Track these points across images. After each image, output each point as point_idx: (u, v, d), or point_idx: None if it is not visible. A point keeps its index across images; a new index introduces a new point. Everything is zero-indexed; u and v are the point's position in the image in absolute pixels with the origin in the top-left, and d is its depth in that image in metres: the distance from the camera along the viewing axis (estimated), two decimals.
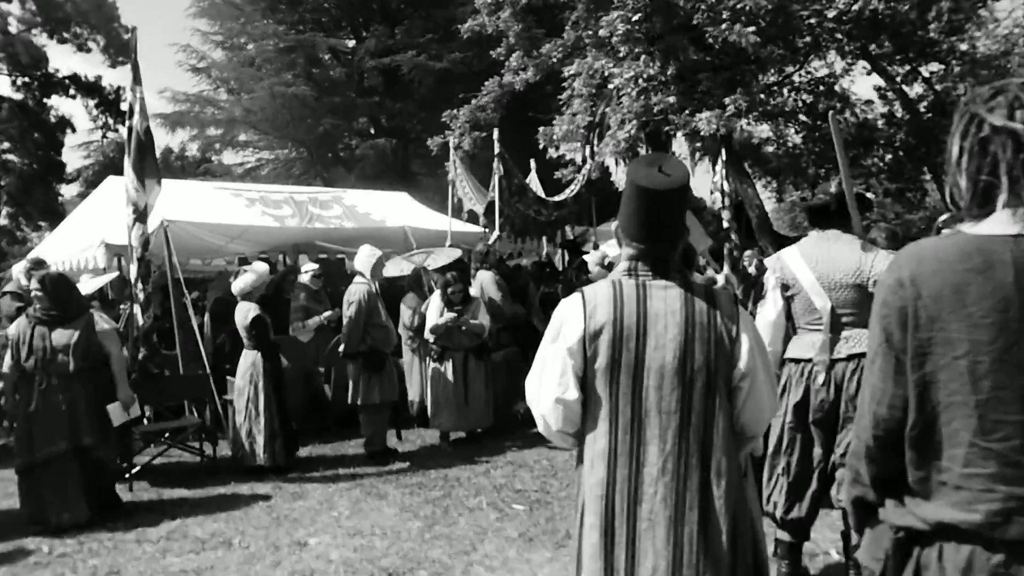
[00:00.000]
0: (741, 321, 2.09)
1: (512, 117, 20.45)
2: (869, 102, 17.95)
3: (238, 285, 6.11)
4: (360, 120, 24.26)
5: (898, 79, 17.42)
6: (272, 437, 6.06)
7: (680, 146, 19.34)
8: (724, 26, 11.73)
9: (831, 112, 6.37)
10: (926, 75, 16.96)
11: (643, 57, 12.79)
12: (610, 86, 13.66)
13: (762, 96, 12.50)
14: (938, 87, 16.98)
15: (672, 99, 12.61)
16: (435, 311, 6.60)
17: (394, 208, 11.35)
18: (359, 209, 10.77)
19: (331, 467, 6.26)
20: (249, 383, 6.07)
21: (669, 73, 12.99)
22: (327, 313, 7.81)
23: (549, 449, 6.52)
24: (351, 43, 23.82)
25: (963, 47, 16.66)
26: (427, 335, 6.66)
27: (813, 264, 3.41)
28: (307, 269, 7.76)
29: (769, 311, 3.52)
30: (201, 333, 7.52)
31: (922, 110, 17.26)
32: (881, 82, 17.42)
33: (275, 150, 25.08)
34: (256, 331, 6.04)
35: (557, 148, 15.83)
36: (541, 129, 14.81)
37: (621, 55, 14.06)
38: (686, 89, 13.23)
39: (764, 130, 15.87)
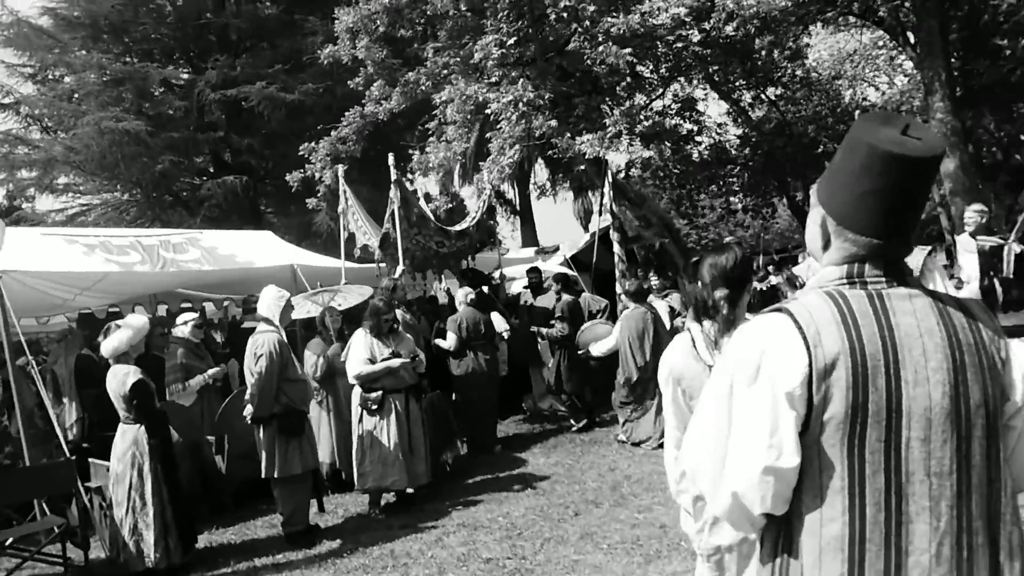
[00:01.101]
0: (1005, 337, 1.52)
1: (375, 148, 19.64)
2: (722, 124, 18.88)
3: (111, 344, 4.87)
4: (202, 157, 22.38)
5: (746, 103, 18.45)
6: (164, 531, 4.85)
7: (542, 172, 19.36)
8: (602, 48, 11.65)
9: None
10: (772, 98, 18.10)
11: (522, 81, 12.48)
12: (488, 111, 13.25)
13: (642, 117, 12.51)
14: (781, 109, 18.12)
15: (554, 122, 12.35)
16: (362, 350, 5.64)
17: (260, 248, 10.14)
18: (220, 251, 9.45)
19: (243, 558, 5.12)
20: (131, 466, 4.84)
21: (547, 97, 12.76)
22: (213, 371, 6.64)
23: (500, 503, 5.76)
24: (186, 75, 21.98)
25: (799, 72, 17.92)
26: (354, 379, 5.68)
27: None
28: (185, 319, 6.55)
29: None
30: (50, 406, 6.09)
31: (767, 131, 18.36)
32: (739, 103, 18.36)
33: (102, 193, 22.53)
34: (138, 400, 4.84)
35: (425, 175, 15.13)
36: (416, 156, 14.08)
37: (494, 80, 13.74)
38: (563, 113, 13.08)
39: (644, 153, 16.12)
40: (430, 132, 15.52)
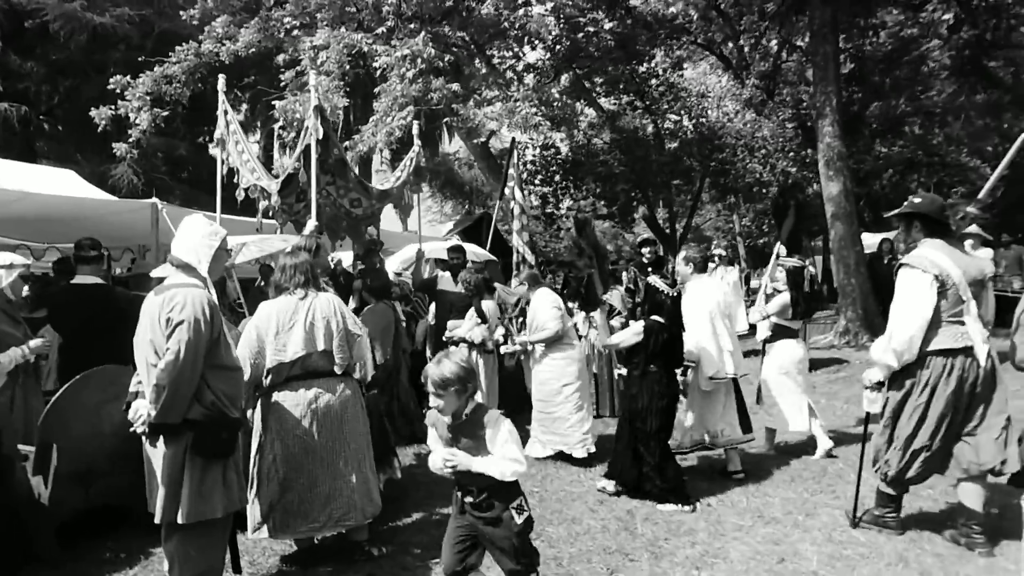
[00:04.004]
0: None
1: (211, 95, 16.73)
2: (594, 126, 18.28)
3: None
4: None
5: (621, 107, 17.99)
6: None
7: (456, 143, 17.68)
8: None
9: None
10: (640, 106, 17.77)
11: (423, 34, 10.76)
12: (375, 65, 11.33)
13: (555, 95, 11.30)
14: (657, 120, 17.87)
15: (456, 86, 10.77)
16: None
17: (68, 190, 7.57)
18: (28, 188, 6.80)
19: None
20: None
21: (447, 59, 11.14)
22: (35, 342, 4.36)
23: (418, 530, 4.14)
24: None
25: (672, 79, 17.76)
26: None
27: (958, 264, 3.95)
28: (6, 262, 4.18)
29: (926, 309, 3.90)
30: None
31: (640, 139, 18.01)
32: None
33: None
34: None
35: (286, 130, 12.78)
36: (278, 104, 11.74)
37: (381, 31, 11.86)
38: (464, 79, 11.54)
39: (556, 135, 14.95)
40: (283, 83, 13.19)
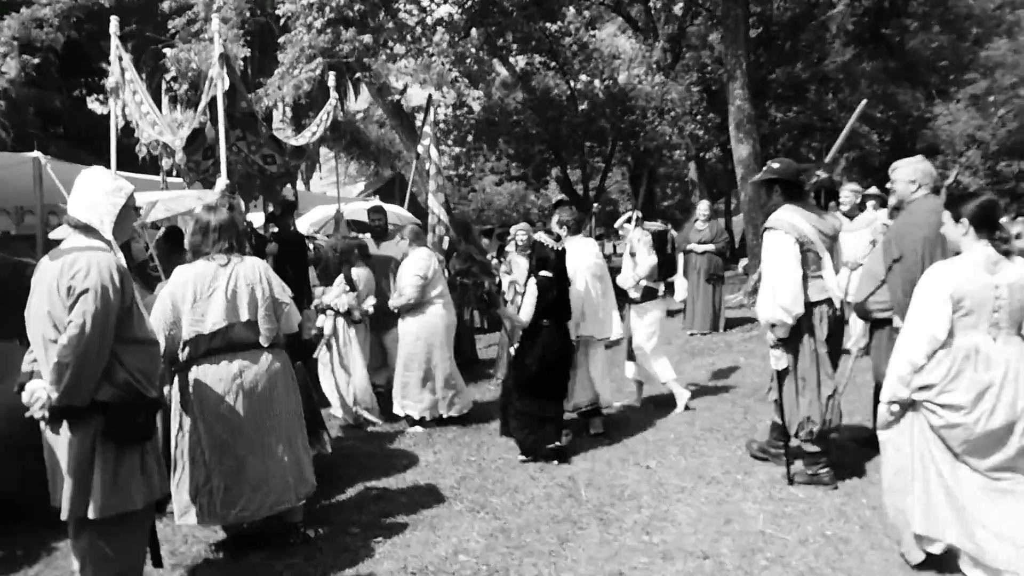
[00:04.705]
0: None
1: (89, 43, 15.35)
2: (506, 85, 17.93)
3: None
4: None
5: (534, 67, 17.70)
6: None
7: (363, 101, 16.75)
8: None
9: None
10: (551, 65, 17.55)
11: None
12: (279, 12, 10.59)
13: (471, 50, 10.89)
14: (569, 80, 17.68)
15: (367, 38, 10.22)
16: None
17: None
18: None
19: None
20: None
21: (357, 9, 10.54)
22: None
23: (356, 508, 3.94)
24: None
25: (584, 39, 17.60)
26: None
27: (814, 224, 4.30)
28: None
29: (797, 264, 4.21)
30: None
31: (551, 100, 17.81)
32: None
33: None
34: None
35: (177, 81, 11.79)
36: (169, 53, 10.81)
37: None
38: (373, 33, 10.95)
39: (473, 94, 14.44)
40: (172, 31, 12.19)
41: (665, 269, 6.59)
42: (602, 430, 5.64)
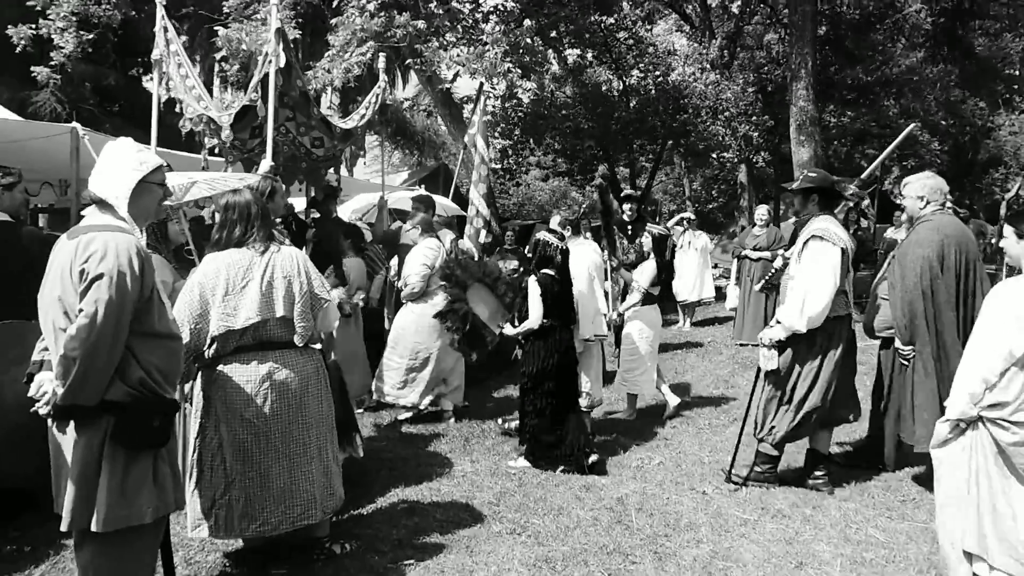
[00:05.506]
0: None
1: (145, 24, 15.32)
2: (557, 78, 17.52)
3: None
4: None
5: (587, 61, 17.24)
6: None
7: (411, 89, 16.55)
8: None
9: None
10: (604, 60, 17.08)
11: None
12: None
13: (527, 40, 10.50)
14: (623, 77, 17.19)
15: (421, 24, 9.90)
16: None
17: None
18: None
19: None
20: None
21: None
22: None
23: (386, 521, 3.59)
24: None
25: (641, 33, 17.07)
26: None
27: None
28: None
29: (838, 279, 4.15)
30: None
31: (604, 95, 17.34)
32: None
33: None
34: None
35: (228, 61, 11.62)
36: (221, 33, 10.63)
37: None
38: (427, 19, 10.63)
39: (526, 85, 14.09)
40: (226, 12, 12.02)
41: (663, 274, 6.61)
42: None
